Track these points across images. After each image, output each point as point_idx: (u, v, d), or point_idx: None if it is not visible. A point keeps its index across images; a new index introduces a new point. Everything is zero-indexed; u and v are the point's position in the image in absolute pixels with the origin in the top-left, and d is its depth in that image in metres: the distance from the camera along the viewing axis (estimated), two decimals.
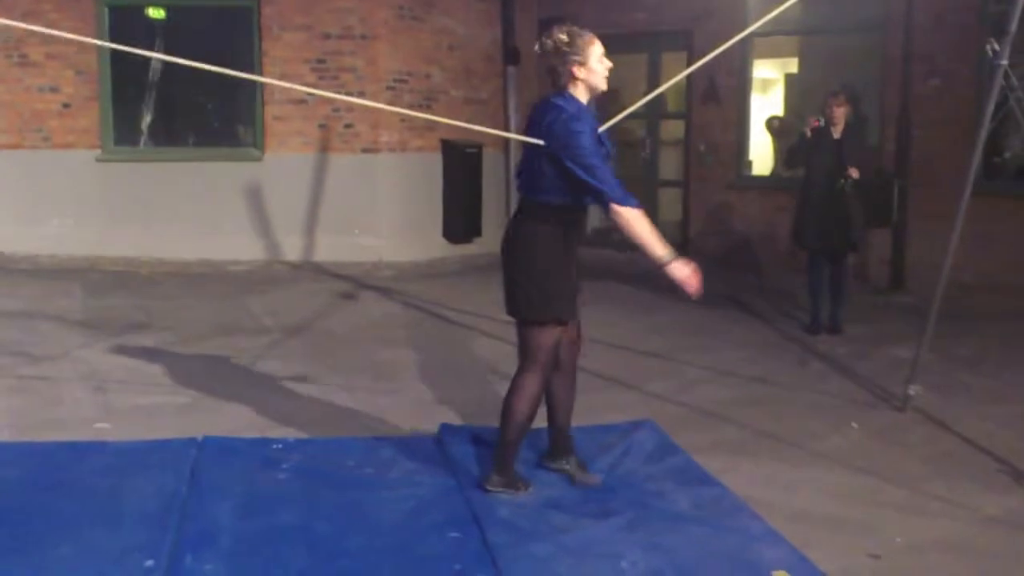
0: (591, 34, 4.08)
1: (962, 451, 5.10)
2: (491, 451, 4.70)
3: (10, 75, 10.70)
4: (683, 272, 3.98)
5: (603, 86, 4.10)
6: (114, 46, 8.75)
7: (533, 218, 4.13)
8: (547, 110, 4.07)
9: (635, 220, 3.95)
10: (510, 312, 4.24)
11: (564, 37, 4.04)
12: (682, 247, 11.43)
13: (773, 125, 11.34)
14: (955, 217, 5.51)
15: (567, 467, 4.51)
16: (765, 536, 3.90)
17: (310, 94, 10.50)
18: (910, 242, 9.49)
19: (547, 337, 4.15)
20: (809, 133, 7.60)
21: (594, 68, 4.05)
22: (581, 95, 4.08)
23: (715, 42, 5.77)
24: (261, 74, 10.53)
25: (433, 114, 10.81)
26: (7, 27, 10.45)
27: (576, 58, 4.03)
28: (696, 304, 8.73)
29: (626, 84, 11.63)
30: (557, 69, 4.07)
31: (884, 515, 4.24)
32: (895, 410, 5.76)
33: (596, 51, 4.06)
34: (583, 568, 3.59)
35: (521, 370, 4.23)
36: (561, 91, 4.08)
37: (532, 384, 4.20)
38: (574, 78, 4.05)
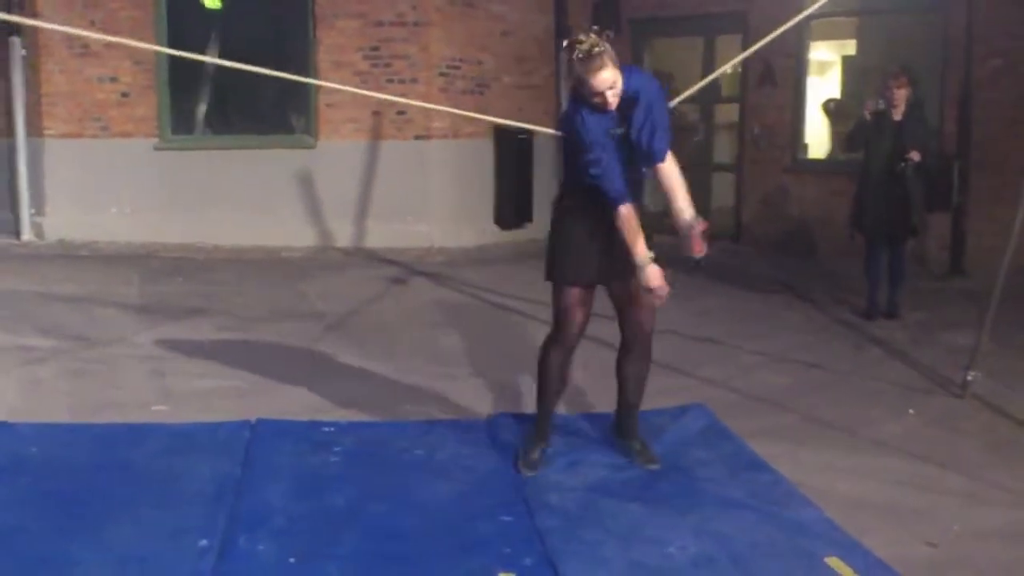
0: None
1: (1022, 438, 4.98)
2: None
3: (70, 66, 10.87)
4: (655, 278, 4.02)
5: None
6: (168, 51, 8.93)
7: (561, 191, 4.49)
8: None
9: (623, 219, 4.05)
10: None
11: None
12: (736, 231, 11.34)
13: (829, 108, 11.15)
14: (1018, 200, 5.37)
15: (633, 445, 4.54)
16: (819, 523, 3.85)
17: (363, 82, 10.59)
18: (970, 226, 9.29)
19: (558, 298, 4.31)
20: (868, 116, 7.46)
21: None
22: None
23: (770, 23, 5.65)
24: (315, 62, 10.61)
25: (486, 99, 10.85)
26: (67, 19, 10.67)
27: None
28: (750, 289, 8.73)
29: (680, 68, 11.55)
30: None
31: (942, 503, 4.16)
32: (953, 397, 5.65)
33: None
34: (631, 553, 3.58)
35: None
36: None
37: (547, 345, 4.41)
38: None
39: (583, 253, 4.24)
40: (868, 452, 4.77)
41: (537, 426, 4.49)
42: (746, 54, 5.50)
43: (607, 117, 4.09)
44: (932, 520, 3.98)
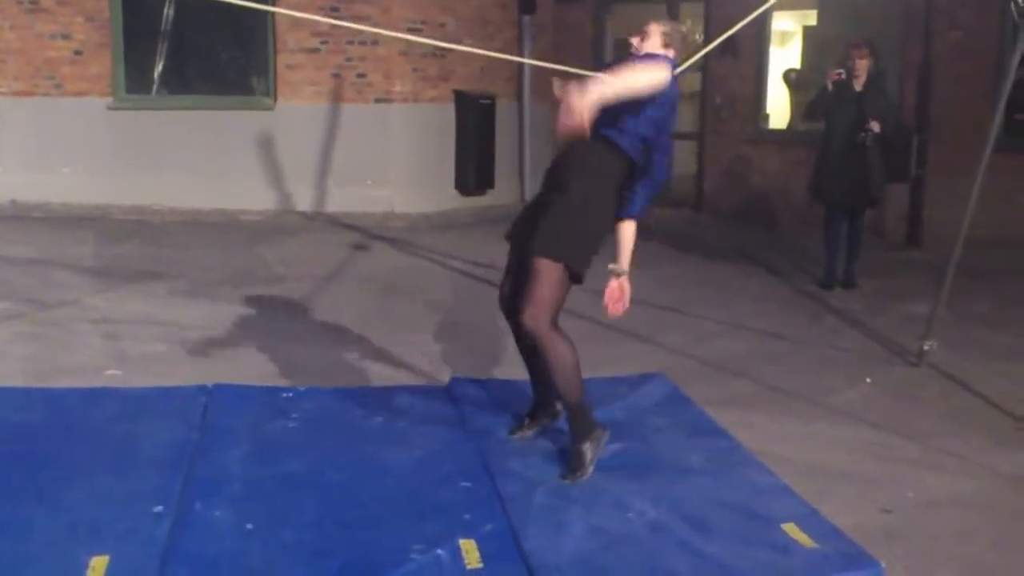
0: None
1: (977, 407, 5.07)
2: (500, 402, 4.70)
3: (21, 22, 10.62)
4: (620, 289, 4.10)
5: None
6: None
7: None
8: None
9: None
10: None
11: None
12: (697, 201, 11.37)
13: (790, 78, 11.17)
14: (975, 173, 5.42)
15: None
16: (775, 489, 3.88)
17: (323, 43, 10.45)
18: (928, 197, 9.38)
19: None
20: (830, 86, 7.48)
21: None
22: None
23: None
24: (274, 23, 10.43)
25: (448, 63, 10.74)
26: None
27: None
28: (710, 258, 8.77)
29: None
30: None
31: (897, 470, 4.21)
32: (910, 366, 5.73)
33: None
34: (591, 518, 3.58)
35: None
36: None
37: None
38: None
39: (521, 214, 4.23)
40: (825, 420, 4.82)
41: None
42: (750, 18, 5.15)
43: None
44: (887, 487, 4.03)
